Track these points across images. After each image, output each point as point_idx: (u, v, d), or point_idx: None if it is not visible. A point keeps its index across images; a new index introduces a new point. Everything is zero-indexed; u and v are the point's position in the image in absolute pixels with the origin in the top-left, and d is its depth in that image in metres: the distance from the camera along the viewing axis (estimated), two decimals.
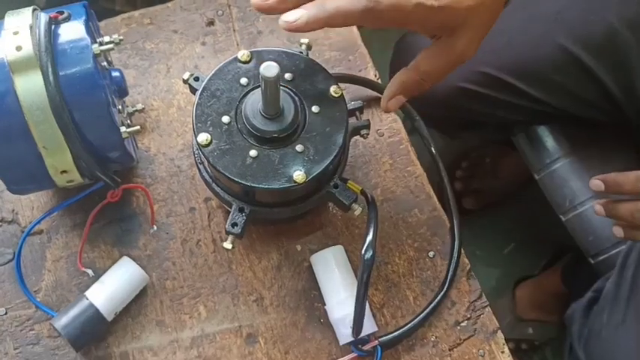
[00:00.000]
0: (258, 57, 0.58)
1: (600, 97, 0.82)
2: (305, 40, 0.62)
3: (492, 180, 1.36)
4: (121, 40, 0.60)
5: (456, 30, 0.54)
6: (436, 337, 0.64)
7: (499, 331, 0.65)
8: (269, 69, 0.50)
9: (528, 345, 1.30)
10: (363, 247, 0.55)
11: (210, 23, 0.75)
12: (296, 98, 0.57)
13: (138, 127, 0.60)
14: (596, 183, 0.70)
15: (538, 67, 0.83)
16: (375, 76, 0.74)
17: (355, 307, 0.58)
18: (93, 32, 0.58)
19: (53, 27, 0.54)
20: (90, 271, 0.64)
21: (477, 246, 1.38)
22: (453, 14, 0.53)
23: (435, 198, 0.69)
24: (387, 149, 0.71)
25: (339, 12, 0.50)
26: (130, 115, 0.66)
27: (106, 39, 0.59)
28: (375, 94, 0.72)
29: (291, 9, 0.51)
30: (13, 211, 0.67)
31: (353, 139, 0.67)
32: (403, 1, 0.51)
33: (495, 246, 1.40)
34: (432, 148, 0.71)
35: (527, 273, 1.35)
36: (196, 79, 0.59)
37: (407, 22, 0.53)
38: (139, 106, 0.67)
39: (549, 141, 0.91)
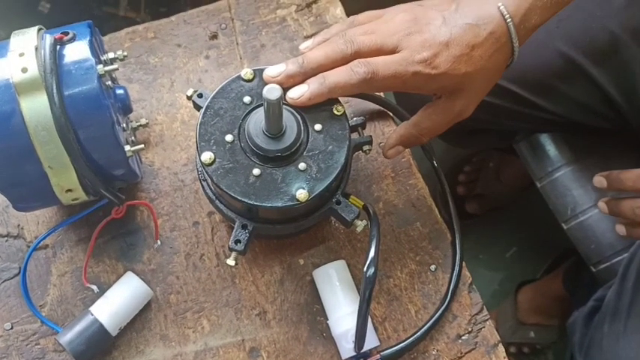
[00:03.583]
0: (262, 75, 0.58)
1: (603, 104, 0.83)
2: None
3: (495, 184, 1.36)
4: (125, 56, 0.61)
5: (454, 92, 0.58)
6: (437, 351, 0.65)
7: (500, 345, 0.65)
8: (272, 91, 0.50)
9: (530, 349, 1.31)
10: (365, 263, 0.56)
11: (214, 37, 0.76)
12: (298, 117, 0.57)
13: (142, 146, 0.60)
14: (599, 180, 0.73)
15: (540, 75, 0.83)
16: None
17: (357, 322, 0.58)
18: (97, 51, 0.58)
19: (58, 48, 0.55)
20: (95, 287, 0.64)
21: (480, 250, 1.39)
22: (450, 80, 0.56)
23: (436, 211, 0.70)
24: (389, 162, 0.71)
25: (338, 86, 0.55)
26: (134, 129, 0.67)
27: (111, 55, 0.60)
28: (377, 107, 0.72)
29: (297, 83, 0.56)
30: (19, 225, 0.68)
31: (355, 153, 0.67)
32: (400, 71, 0.55)
33: (497, 250, 1.40)
34: (435, 162, 0.71)
35: (529, 277, 1.35)
36: (200, 95, 0.60)
37: (405, 88, 0.57)
38: (143, 121, 0.67)
39: (551, 149, 0.92)
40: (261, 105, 0.57)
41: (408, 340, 0.63)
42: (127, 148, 0.58)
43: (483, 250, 1.39)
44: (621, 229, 0.75)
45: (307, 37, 0.75)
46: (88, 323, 0.61)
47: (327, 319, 0.64)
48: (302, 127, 0.57)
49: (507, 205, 1.39)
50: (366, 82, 0.55)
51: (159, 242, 0.67)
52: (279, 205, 0.55)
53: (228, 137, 0.56)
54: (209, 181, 0.59)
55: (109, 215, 0.65)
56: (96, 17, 0.61)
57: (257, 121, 0.56)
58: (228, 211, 0.60)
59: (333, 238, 0.68)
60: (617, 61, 0.80)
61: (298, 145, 0.56)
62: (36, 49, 0.54)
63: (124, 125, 0.63)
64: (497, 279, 1.38)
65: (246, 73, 0.58)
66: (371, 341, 0.62)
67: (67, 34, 0.56)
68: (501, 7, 0.56)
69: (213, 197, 0.60)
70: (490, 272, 1.38)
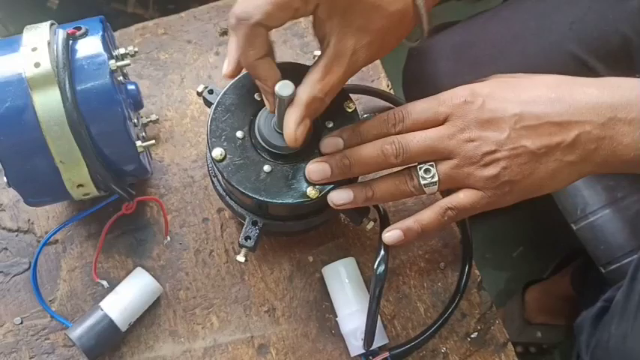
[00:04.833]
0: None
1: None
2: (318, 52, 0.62)
3: None
4: (136, 51, 0.61)
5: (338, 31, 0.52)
6: (447, 349, 0.65)
7: (509, 343, 0.65)
8: (284, 88, 0.50)
9: (537, 348, 1.31)
10: (375, 261, 0.56)
11: (224, 33, 0.76)
12: None
13: (153, 142, 0.60)
14: (334, 142, 0.55)
15: None
16: (388, 86, 0.74)
17: (367, 320, 0.58)
18: (109, 46, 0.58)
19: (71, 43, 0.55)
20: (105, 283, 0.65)
21: (487, 249, 1.38)
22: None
23: None
24: None
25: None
26: (145, 125, 0.67)
27: (122, 51, 0.60)
28: (387, 104, 0.72)
29: None
30: (29, 220, 0.68)
31: None
32: None
33: (505, 249, 1.40)
34: None
35: (537, 276, 1.35)
36: (210, 91, 0.60)
37: None
38: (154, 117, 0.67)
39: None
40: None
41: (417, 339, 0.63)
42: (138, 143, 0.58)
43: (490, 250, 1.38)
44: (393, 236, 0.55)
45: None
46: (97, 318, 0.61)
47: (336, 317, 0.64)
48: (313, 124, 0.57)
49: (515, 204, 1.38)
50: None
51: (168, 238, 0.67)
52: (290, 201, 0.55)
53: (239, 133, 0.56)
54: (220, 177, 0.59)
55: (119, 211, 0.65)
56: (104, 14, 0.61)
57: (268, 117, 0.56)
58: (238, 207, 0.60)
59: (342, 235, 0.68)
60: (629, 65, 0.79)
61: (309, 142, 0.56)
62: (48, 43, 0.54)
63: (135, 121, 0.63)
64: (503, 278, 1.38)
65: None
66: (380, 339, 0.61)
67: (79, 29, 0.56)
68: None
69: (224, 193, 0.60)
70: (497, 271, 1.38)
